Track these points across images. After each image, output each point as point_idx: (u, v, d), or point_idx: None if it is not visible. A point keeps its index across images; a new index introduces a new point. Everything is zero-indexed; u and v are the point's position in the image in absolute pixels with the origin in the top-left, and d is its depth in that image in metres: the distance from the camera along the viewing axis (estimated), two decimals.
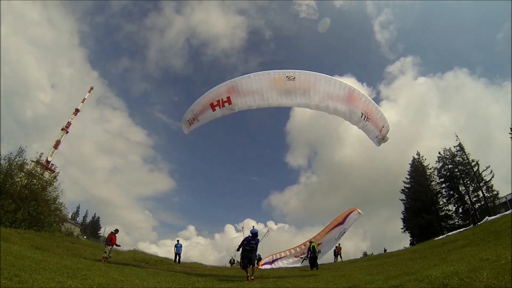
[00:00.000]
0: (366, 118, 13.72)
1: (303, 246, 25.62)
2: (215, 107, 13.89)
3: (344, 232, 26.04)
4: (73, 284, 6.41)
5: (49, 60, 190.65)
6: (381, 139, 14.89)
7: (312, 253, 19.60)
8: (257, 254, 29.45)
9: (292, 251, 26.06)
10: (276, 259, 26.16)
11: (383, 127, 14.53)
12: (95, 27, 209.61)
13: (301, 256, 24.82)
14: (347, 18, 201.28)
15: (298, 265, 25.17)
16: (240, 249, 12.42)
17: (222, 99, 13.65)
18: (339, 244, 31.82)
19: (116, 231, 18.17)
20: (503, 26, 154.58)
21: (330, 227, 26.08)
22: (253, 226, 9.32)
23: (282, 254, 26.32)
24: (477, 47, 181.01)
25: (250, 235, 12.54)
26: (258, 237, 12.69)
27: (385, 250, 35.22)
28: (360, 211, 26.79)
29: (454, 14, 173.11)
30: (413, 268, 9.29)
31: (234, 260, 35.48)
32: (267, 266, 26.03)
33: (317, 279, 10.60)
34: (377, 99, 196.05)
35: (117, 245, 18.06)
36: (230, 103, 13.60)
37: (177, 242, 24.64)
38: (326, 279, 10.20)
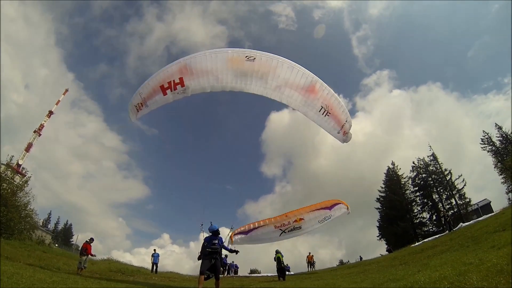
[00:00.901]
0: (326, 112, 12.95)
1: (284, 217, 23.72)
2: (166, 90, 12.33)
3: (329, 218, 24.04)
4: None
5: (24, 59, 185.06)
6: (345, 136, 14.33)
7: (278, 264, 19.43)
8: (225, 260, 29.05)
9: (272, 220, 23.91)
10: (253, 229, 23.80)
11: (346, 121, 13.86)
12: (73, 28, 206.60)
13: (280, 228, 23.09)
14: (325, 30, 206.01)
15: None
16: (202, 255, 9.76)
17: (174, 81, 12.09)
18: (310, 253, 32.40)
19: (91, 240, 17.56)
20: (474, 44, 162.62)
21: (315, 207, 24.16)
22: (211, 223, 8.18)
23: (261, 223, 23.98)
24: (450, 62, 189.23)
25: (210, 233, 10.16)
26: (221, 237, 10.32)
27: (361, 258, 35.77)
28: (349, 208, 25.59)
29: (429, 31, 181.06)
30: (397, 275, 9.30)
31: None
32: (241, 236, 23.88)
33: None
34: (353, 110, 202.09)
35: (92, 255, 17.45)
36: (182, 85, 12.09)
37: (154, 252, 24.18)
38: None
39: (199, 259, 9.65)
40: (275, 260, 19.92)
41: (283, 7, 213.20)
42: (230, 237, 22.56)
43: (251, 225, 23.84)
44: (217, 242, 9.80)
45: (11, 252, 16.21)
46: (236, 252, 10.67)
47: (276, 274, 20.89)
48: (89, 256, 16.86)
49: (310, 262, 31.97)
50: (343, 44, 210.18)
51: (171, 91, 12.25)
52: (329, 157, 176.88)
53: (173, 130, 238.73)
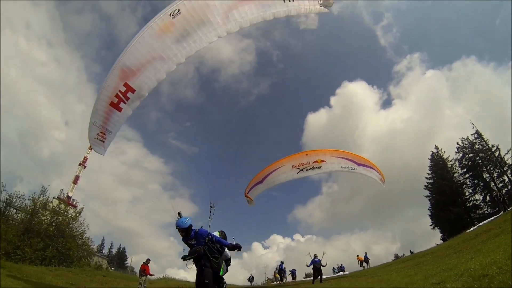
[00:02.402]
0: None
1: (304, 155, 21.79)
2: (119, 105, 10.54)
3: (353, 170, 21.89)
4: None
5: (60, 98, 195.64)
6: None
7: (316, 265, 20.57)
8: (282, 266, 29.28)
9: (290, 159, 21.97)
10: (268, 174, 22.00)
11: None
12: (103, 63, 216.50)
13: (298, 167, 21.50)
14: (347, 25, 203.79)
15: None
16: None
17: (120, 91, 10.25)
18: (358, 256, 32.55)
19: (148, 261, 18.46)
20: (500, 12, 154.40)
21: (343, 155, 22.25)
22: (179, 213, 6.69)
23: (278, 165, 21.99)
24: (479, 34, 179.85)
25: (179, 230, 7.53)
26: (206, 229, 7.84)
27: (411, 252, 35.03)
28: (383, 180, 22.88)
29: (451, 6, 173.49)
30: (450, 264, 9.37)
31: (253, 277, 35.22)
32: (257, 187, 22.43)
33: (357, 285, 10.71)
34: (388, 100, 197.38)
35: (151, 275, 18.45)
36: (132, 90, 10.32)
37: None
38: (366, 286, 10.32)
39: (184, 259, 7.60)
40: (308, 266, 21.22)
41: None
42: (246, 196, 22.53)
43: (265, 171, 22.30)
44: (196, 242, 7.37)
45: (75, 278, 17.66)
46: (239, 248, 7.46)
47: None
48: (148, 276, 17.93)
49: (361, 261, 32.09)
50: (368, 35, 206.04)
51: (125, 103, 10.63)
52: (371, 150, 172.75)
53: (213, 145, 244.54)
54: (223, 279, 7.55)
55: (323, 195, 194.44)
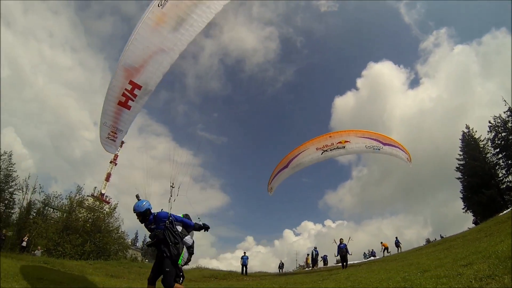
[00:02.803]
0: None
1: (328, 137, 21.39)
2: (127, 103, 10.69)
3: (378, 150, 21.35)
4: None
5: (87, 99, 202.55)
6: None
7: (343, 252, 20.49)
8: (316, 251, 29.61)
9: (314, 141, 21.52)
10: (292, 158, 21.61)
11: None
12: None
13: (322, 149, 21.17)
14: (369, 3, 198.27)
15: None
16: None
17: (126, 89, 10.34)
18: (382, 242, 32.67)
19: None
20: None
21: (368, 134, 21.74)
22: (136, 196, 6.94)
23: (301, 148, 21.65)
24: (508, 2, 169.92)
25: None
26: (166, 212, 7.25)
27: (441, 236, 34.66)
28: (410, 160, 22.26)
29: None
30: (479, 247, 9.52)
31: (283, 263, 35.59)
32: (283, 171, 22.30)
33: (390, 271, 10.99)
34: (416, 79, 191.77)
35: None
36: (138, 87, 10.42)
37: (243, 254, 25.52)
38: (396, 269, 10.62)
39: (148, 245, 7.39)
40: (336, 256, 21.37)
41: None
42: (269, 185, 22.76)
43: (290, 155, 22.02)
44: (154, 225, 6.89)
45: (113, 271, 18.62)
46: (206, 228, 7.30)
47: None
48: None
49: (386, 248, 32.16)
50: (391, 14, 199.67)
51: (133, 100, 10.66)
52: (400, 131, 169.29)
53: (241, 134, 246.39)
54: (181, 270, 7.16)
55: (353, 179, 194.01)
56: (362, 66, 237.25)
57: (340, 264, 22.51)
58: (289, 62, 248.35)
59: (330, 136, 21.55)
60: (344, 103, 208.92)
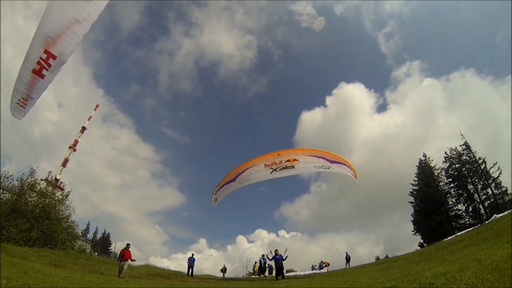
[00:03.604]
0: None
1: (276, 155, 21.40)
2: (42, 72, 10.57)
3: (327, 169, 21.51)
4: None
5: (55, 79, 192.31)
6: None
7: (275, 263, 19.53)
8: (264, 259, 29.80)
9: (262, 159, 21.48)
10: (240, 173, 21.69)
11: None
12: (101, 49, 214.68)
13: (271, 167, 21.20)
14: (349, 27, 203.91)
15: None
16: None
17: (42, 58, 10.21)
18: (322, 261, 33.20)
19: (128, 246, 18.15)
20: (501, 28, 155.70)
21: (315, 153, 21.77)
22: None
23: (249, 164, 21.72)
24: (479, 47, 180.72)
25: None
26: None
27: (386, 256, 35.72)
28: (356, 176, 22.45)
29: (455, 17, 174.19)
30: (413, 270, 9.70)
31: (225, 268, 35.24)
32: (229, 185, 22.27)
33: (324, 284, 11.02)
34: (384, 105, 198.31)
35: (132, 260, 18.04)
36: (54, 57, 10.28)
37: (191, 256, 25.10)
38: (331, 284, 10.64)
39: None
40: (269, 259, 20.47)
41: (304, 5, 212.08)
42: (213, 195, 22.72)
43: (237, 170, 22.11)
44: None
45: (58, 260, 17.90)
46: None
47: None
48: (129, 261, 17.57)
49: (327, 265, 32.68)
50: (370, 41, 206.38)
51: (47, 70, 10.65)
52: (362, 153, 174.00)
53: (205, 136, 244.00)
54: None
55: (311, 193, 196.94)
56: (334, 85, 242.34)
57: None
58: (263, 73, 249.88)
59: (278, 154, 21.67)
60: (311, 119, 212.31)
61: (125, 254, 17.36)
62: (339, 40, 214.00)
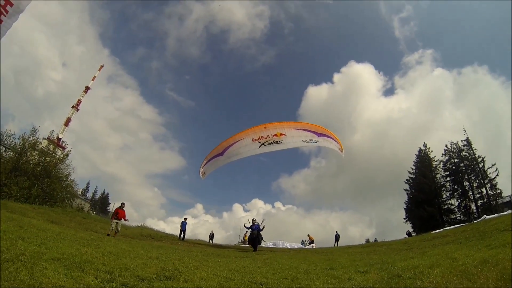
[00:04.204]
0: None
1: (263, 129, 21.02)
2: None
3: (315, 142, 21.18)
4: (89, 251, 7.68)
5: (60, 38, 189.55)
6: None
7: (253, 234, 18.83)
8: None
9: (250, 132, 21.17)
10: (228, 147, 21.37)
11: None
12: (108, 9, 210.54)
13: (259, 141, 20.90)
14: (365, 5, 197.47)
15: None
16: None
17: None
18: (309, 235, 34.99)
19: (123, 205, 18.28)
20: None
21: (301, 126, 21.50)
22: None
23: (237, 138, 21.42)
24: (498, 46, 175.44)
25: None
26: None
27: (375, 240, 36.60)
28: (342, 151, 22.01)
29: (475, 12, 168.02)
30: (391, 258, 10.14)
31: (213, 234, 35.81)
32: (217, 159, 22.11)
33: (305, 261, 11.52)
34: (391, 89, 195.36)
35: (125, 220, 18.28)
36: (11, 4, 7.89)
37: (183, 220, 25.84)
38: (311, 261, 11.14)
39: None
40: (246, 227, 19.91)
41: None
42: (201, 169, 22.59)
43: (225, 143, 21.80)
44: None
45: (55, 217, 18.51)
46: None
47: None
48: (123, 220, 17.86)
49: (312, 241, 33.68)
50: (384, 24, 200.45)
51: (5, 16, 7.69)
52: (364, 134, 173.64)
53: (210, 102, 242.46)
54: None
55: (310, 168, 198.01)
56: (343, 63, 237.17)
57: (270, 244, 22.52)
58: (272, 45, 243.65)
59: (265, 127, 21.33)
60: (316, 94, 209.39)
61: (119, 213, 17.60)
62: (352, 18, 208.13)
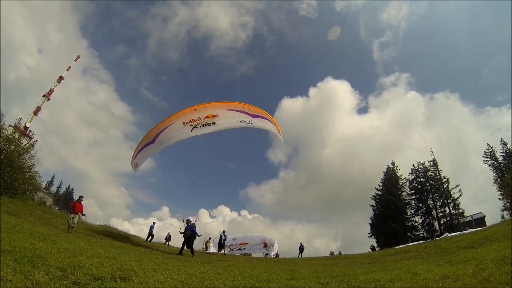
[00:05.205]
0: None
1: (193, 111, 19.79)
2: None
3: (250, 124, 20.12)
4: (43, 246, 7.11)
5: (38, 23, 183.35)
6: None
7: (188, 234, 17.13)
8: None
9: (179, 115, 20.12)
10: (158, 133, 20.38)
11: None
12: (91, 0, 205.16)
13: (190, 124, 19.83)
14: (346, 26, 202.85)
15: None
16: None
17: None
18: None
19: (81, 198, 16.81)
20: (491, 62, 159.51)
21: (234, 107, 20.36)
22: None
23: (166, 123, 20.35)
24: (469, 74, 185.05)
25: None
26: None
27: (340, 253, 36.64)
28: (280, 134, 20.89)
29: (451, 42, 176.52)
30: (353, 271, 9.92)
31: (170, 236, 34.46)
32: (148, 147, 20.91)
33: (266, 270, 11.14)
34: (365, 108, 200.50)
35: (83, 215, 16.57)
36: None
37: (152, 223, 25.60)
38: (273, 270, 10.77)
39: None
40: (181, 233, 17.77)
41: None
42: (132, 161, 21.47)
43: (155, 130, 20.51)
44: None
45: (14, 209, 17.30)
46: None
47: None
48: (80, 215, 16.26)
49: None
50: (364, 47, 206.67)
51: None
52: (335, 149, 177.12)
53: (184, 105, 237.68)
54: None
55: (279, 179, 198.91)
56: (320, 78, 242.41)
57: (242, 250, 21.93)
58: (252, 56, 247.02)
59: (195, 109, 20.01)
60: (291, 106, 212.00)
61: (76, 206, 16.04)
62: (337, 41, 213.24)
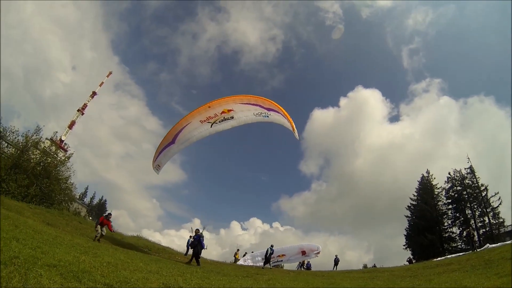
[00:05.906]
0: None
1: (207, 108, 19.64)
2: None
3: (266, 117, 19.51)
4: (86, 259, 7.29)
5: (72, 41, 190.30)
6: None
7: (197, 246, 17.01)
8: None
9: (195, 114, 19.87)
10: (177, 134, 20.15)
11: None
12: (121, 19, 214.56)
13: (208, 121, 19.64)
14: (374, 33, 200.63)
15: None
16: None
17: None
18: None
19: (109, 215, 17.54)
20: None
21: (247, 100, 19.84)
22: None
23: (183, 123, 20.15)
24: (504, 77, 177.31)
25: None
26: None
27: (374, 265, 35.72)
28: (295, 132, 19.07)
29: (484, 42, 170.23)
30: (398, 285, 9.78)
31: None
32: (169, 147, 20.87)
33: (307, 283, 11.15)
34: (397, 116, 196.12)
35: (111, 231, 17.76)
36: None
37: (189, 238, 25.05)
38: (314, 284, 10.77)
39: None
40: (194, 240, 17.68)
41: (331, 3, 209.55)
42: (153, 163, 21.49)
43: (173, 130, 20.33)
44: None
45: (51, 219, 18.05)
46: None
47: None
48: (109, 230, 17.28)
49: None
50: (393, 56, 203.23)
51: None
52: (366, 159, 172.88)
53: None
54: None
55: (311, 191, 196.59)
56: (350, 88, 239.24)
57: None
58: (282, 69, 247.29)
59: (209, 107, 19.80)
60: (322, 117, 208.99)
61: (103, 222, 16.85)
62: (361, 45, 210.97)
